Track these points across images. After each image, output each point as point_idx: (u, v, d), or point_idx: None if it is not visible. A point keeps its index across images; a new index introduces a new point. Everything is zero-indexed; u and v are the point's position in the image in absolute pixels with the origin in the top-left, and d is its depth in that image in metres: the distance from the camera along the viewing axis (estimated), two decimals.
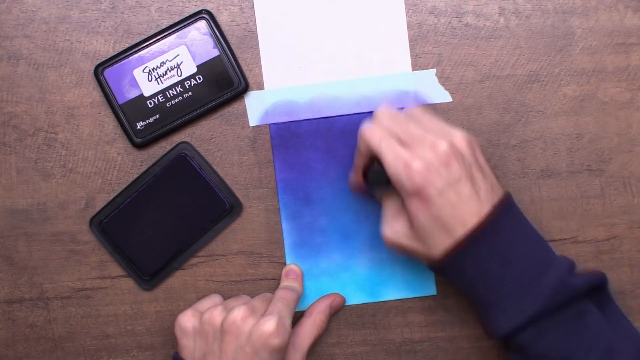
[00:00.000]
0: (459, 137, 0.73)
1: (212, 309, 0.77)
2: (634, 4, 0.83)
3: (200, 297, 0.85)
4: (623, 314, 0.75)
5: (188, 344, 0.78)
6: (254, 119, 0.84)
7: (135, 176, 0.84)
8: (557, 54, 0.84)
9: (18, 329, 0.86)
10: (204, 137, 0.84)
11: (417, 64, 0.84)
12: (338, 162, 0.84)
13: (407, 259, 0.85)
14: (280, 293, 0.80)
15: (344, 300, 0.85)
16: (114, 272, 0.85)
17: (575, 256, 0.85)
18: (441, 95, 0.83)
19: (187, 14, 0.83)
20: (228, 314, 0.76)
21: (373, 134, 0.74)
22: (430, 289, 0.85)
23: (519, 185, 0.85)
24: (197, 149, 0.84)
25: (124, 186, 0.84)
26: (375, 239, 0.85)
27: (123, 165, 0.84)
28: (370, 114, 0.84)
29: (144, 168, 0.84)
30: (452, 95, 0.84)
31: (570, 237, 0.85)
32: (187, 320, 0.78)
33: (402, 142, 0.73)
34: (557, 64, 0.84)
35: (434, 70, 0.82)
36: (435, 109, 0.84)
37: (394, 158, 0.72)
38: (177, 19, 0.83)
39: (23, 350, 0.86)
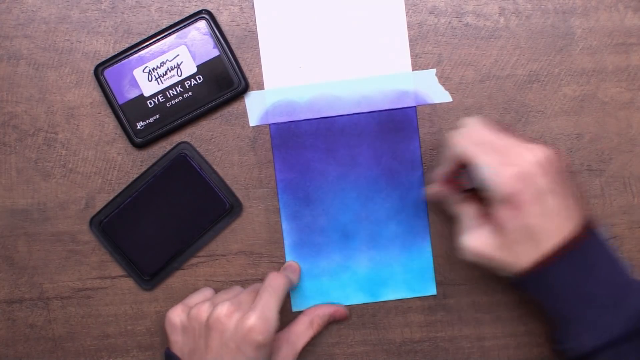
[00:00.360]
0: (549, 152, 0.73)
1: (199, 305, 0.77)
2: (634, 4, 0.83)
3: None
4: None
5: (177, 340, 0.78)
6: (254, 119, 0.84)
7: (135, 176, 0.84)
8: (557, 54, 0.84)
9: (18, 329, 0.86)
10: (204, 137, 0.84)
11: (417, 64, 0.84)
12: (338, 162, 0.84)
13: (407, 259, 0.85)
14: (268, 280, 0.78)
15: (347, 315, 0.85)
16: (114, 272, 0.85)
17: None
18: (441, 95, 0.83)
19: (187, 14, 0.83)
20: (213, 309, 0.76)
21: (463, 140, 0.73)
22: (430, 289, 0.85)
23: None
24: (197, 149, 0.84)
25: (124, 186, 0.84)
26: (375, 239, 0.85)
27: (123, 165, 0.84)
28: (370, 114, 0.84)
29: (144, 168, 0.84)
30: (452, 95, 0.84)
31: None
32: (175, 315, 0.78)
33: (494, 149, 0.73)
34: (557, 64, 0.84)
35: (434, 70, 0.82)
36: (435, 109, 0.84)
37: (487, 163, 0.72)
38: (177, 19, 0.83)
39: (23, 350, 0.86)
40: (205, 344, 0.76)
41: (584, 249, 0.72)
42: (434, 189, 0.79)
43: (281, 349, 0.81)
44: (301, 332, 0.82)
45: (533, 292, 0.74)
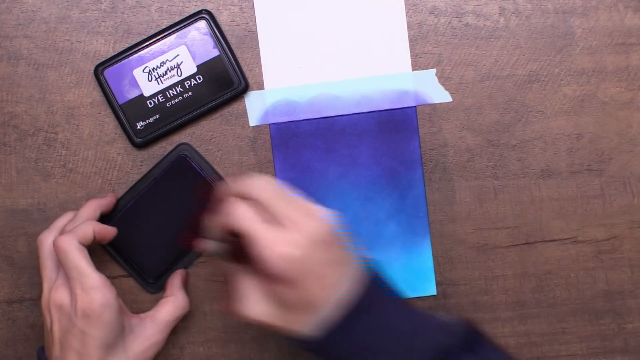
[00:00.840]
0: (324, 225, 0.71)
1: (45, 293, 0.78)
2: (634, 4, 0.83)
3: (201, 297, 0.85)
4: (497, 349, 0.73)
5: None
6: (254, 119, 0.84)
7: (135, 176, 0.84)
8: (557, 54, 0.84)
9: (18, 329, 0.86)
10: (204, 137, 0.84)
11: (417, 64, 0.84)
12: (338, 162, 0.84)
13: (407, 259, 0.85)
14: (62, 257, 0.77)
15: (185, 273, 0.83)
16: (114, 272, 0.85)
17: (576, 256, 0.85)
18: (441, 95, 0.83)
19: (187, 14, 0.83)
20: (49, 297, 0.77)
21: (242, 210, 0.71)
22: (430, 289, 0.85)
23: (519, 185, 0.85)
24: (197, 149, 0.84)
25: (124, 186, 0.84)
26: (375, 239, 0.85)
27: (123, 165, 0.84)
28: (370, 114, 0.84)
29: (144, 168, 0.84)
30: (452, 95, 0.84)
31: (570, 237, 0.85)
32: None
33: (271, 220, 0.70)
34: (557, 64, 0.84)
35: (434, 70, 0.82)
36: (435, 109, 0.84)
37: (263, 239, 0.69)
38: (177, 19, 0.83)
39: (23, 350, 0.86)
40: (52, 332, 0.78)
41: (367, 306, 0.71)
42: (211, 246, 0.75)
43: (146, 326, 0.81)
44: (167, 310, 0.81)
45: (323, 356, 0.72)
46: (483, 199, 0.85)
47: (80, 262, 0.76)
